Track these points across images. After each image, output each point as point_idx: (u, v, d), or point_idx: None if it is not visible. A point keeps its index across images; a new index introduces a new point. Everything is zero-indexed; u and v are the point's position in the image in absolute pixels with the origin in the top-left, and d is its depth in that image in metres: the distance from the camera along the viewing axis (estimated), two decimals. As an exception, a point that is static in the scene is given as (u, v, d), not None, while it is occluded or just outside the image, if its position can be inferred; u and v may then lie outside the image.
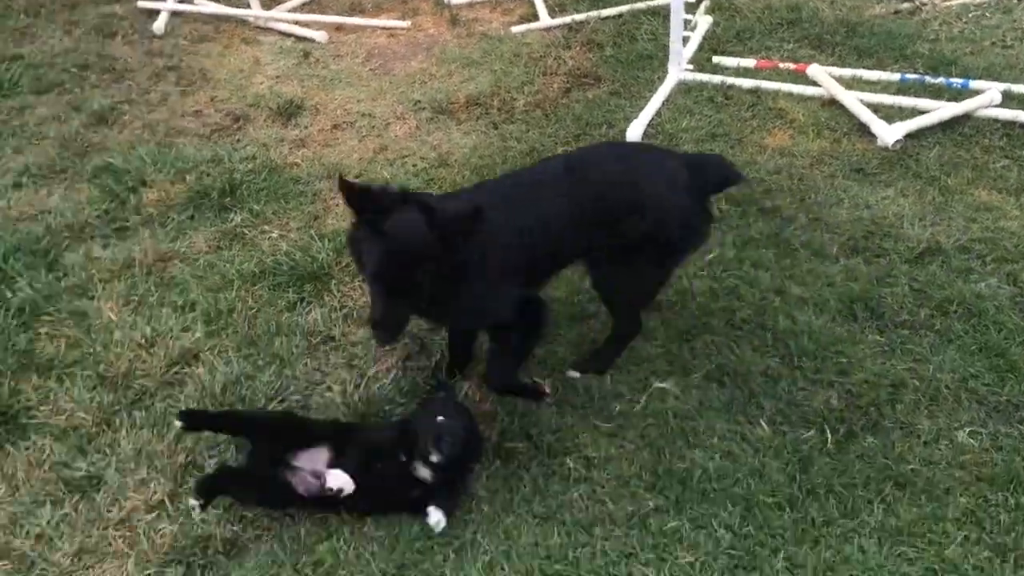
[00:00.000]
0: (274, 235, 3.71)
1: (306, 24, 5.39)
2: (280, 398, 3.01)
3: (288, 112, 4.53)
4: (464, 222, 2.45)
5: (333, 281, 3.45)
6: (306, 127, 4.44)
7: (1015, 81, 4.27)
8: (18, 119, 4.56)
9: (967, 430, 2.71)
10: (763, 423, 2.79)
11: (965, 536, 2.44)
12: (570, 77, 4.74)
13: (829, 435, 2.73)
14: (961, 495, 2.53)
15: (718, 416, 2.84)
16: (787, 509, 2.54)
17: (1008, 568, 2.36)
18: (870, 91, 4.32)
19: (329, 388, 3.05)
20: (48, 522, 2.66)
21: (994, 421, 2.74)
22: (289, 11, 5.58)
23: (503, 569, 2.46)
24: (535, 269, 2.85)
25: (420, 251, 2.45)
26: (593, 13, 5.30)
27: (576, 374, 3.01)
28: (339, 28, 5.41)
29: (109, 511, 2.69)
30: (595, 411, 2.89)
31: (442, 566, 2.47)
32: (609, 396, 2.93)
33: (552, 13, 5.38)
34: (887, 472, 2.61)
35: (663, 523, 2.53)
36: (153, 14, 5.50)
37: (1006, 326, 3.02)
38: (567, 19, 5.29)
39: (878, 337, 3.05)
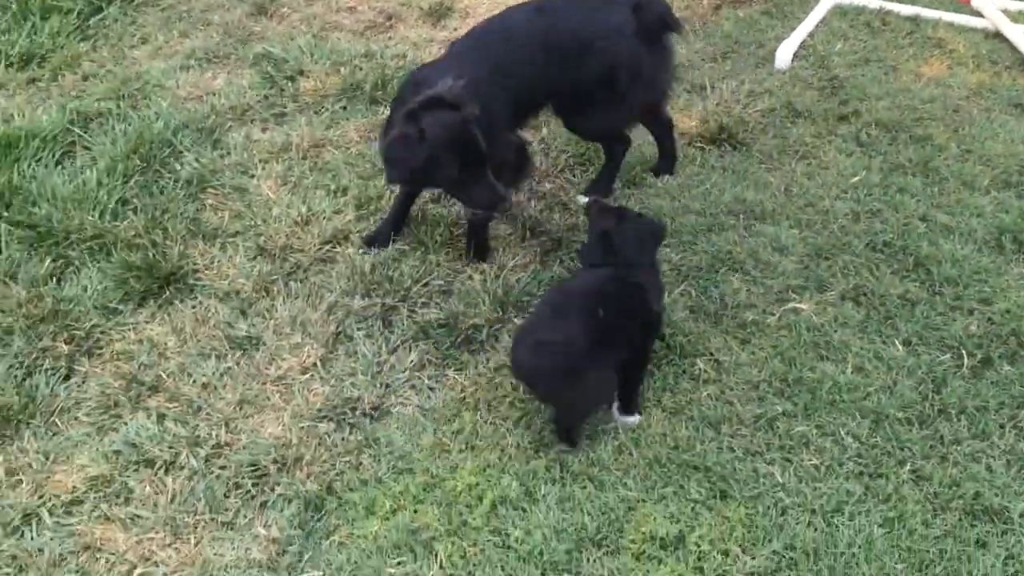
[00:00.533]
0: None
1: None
2: (424, 281, 3.18)
3: (438, 13, 4.63)
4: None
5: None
6: (455, 29, 4.53)
7: None
8: (185, 5, 4.81)
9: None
10: (898, 343, 2.82)
11: (1098, 467, 2.44)
12: (722, -5, 4.68)
13: (966, 359, 2.74)
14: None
15: (852, 334, 2.87)
16: (917, 425, 2.58)
17: None
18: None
19: (470, 277, 3.21)
20: (213, 373, 2.92)
21: None
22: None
23: (631, 455, 2.59)
24: (517, 112, 3.19)
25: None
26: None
27: (584, 199, 3.29)
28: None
29: (267, 369, 2.94)
30: (728, 319, 2.96)
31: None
32: (743, 306, 2.99)
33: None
34: (1022, 400, 2.61)
35: (790, 427, 2.61)
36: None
37: None
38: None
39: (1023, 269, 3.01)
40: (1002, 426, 2.56)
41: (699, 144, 3.71)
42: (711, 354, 2.85)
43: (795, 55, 4.11)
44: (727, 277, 3.11)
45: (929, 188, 3.35)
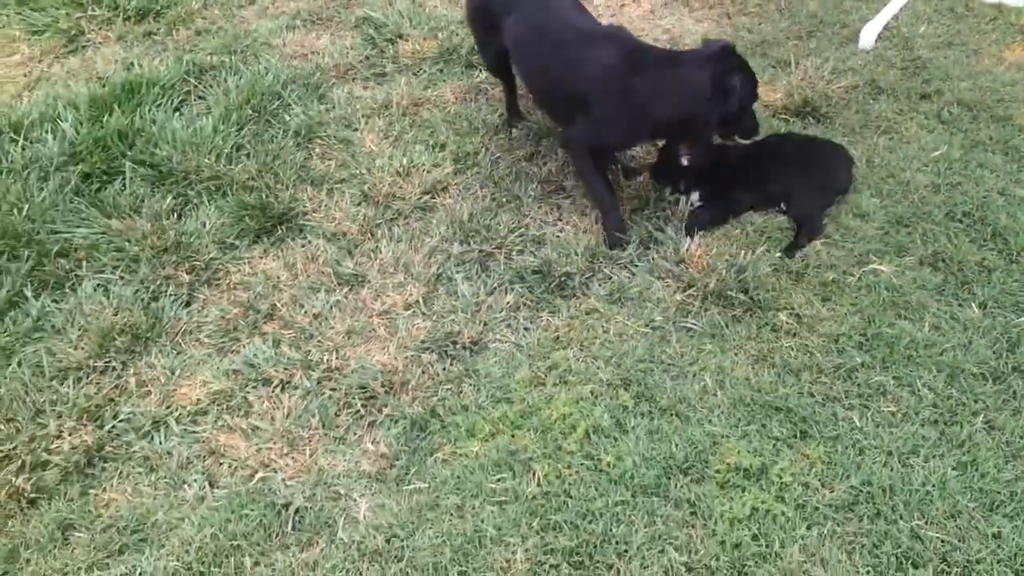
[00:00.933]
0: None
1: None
2: (519, 231, 3.38)
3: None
4: None
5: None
6: None
7: None
8: (290, -30, 5.05)
9: None
10: (974, 306, 2.95)
11: None
12: (808, -25, 4.79)
13: (1035, 317, 2.88)
14: None
15: (929, 295, 3.01)
16: (990, 380, 2.72)
17: None
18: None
19: (562, 229, 3.40)
20: (323, 305, 3.15)
21: None
22: None
23: (715, 395, 2.77)
24: None
25: None
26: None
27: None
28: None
29: (373, 304, 3.16)
30: (810, 277, 3.11)
31: (661, 384, 2.80)
32: (824, 266, 3.14)
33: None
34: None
35: (868, 377, 2.77)
36: None
37: None
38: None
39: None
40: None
41: (783, 116, 3.85)
42: (793, 308, 3.00)
43: (879, 36, 4.22)
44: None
45: (1008, 165, 3.46)
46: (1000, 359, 2.78)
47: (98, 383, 2.91)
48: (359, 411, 2.82)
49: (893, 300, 3.00)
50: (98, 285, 3.23)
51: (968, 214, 3.26)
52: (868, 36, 4.20)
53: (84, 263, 3.30)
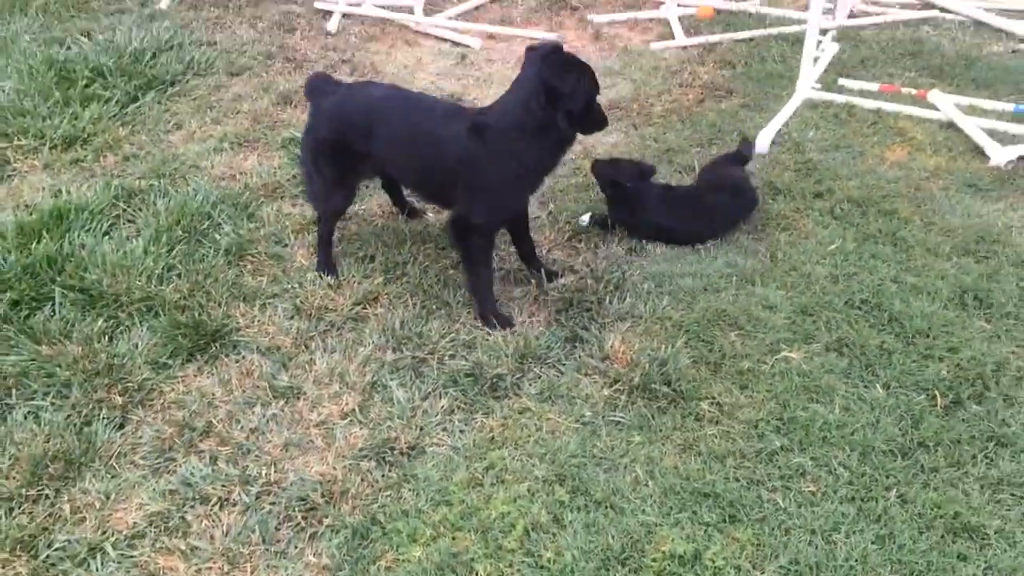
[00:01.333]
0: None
1: (462, 31, 5.99)
2: (450, 337, 3.49)
3: (451, 104, 5.09)
4: None
5: (493, 247, 3.94)
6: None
7: None
8: (215, 95, 5.23)
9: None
10: (878, 387, 3.17)
11: (1061, 487, 2.79)
12: (704, 89, 5.19)
13: (939, 400, 3.09)
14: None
15: (837, 379, 3.22)
16: (899, 456, 2.91)
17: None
18: (985, 118, 4.64)
19: (490, 333, 3.53)
20: (259, 419, 3.18)
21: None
22: (448, 19, 6.19)
23: (647, 485, 2.88)
24: None
25: None
26: (727, 35, 5.75)
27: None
28: (491, 36, 5.98)
29: (309, 415, 3.21)
30: (727, 366, 3.30)
31: (594, 478, 2.91)
32: (739, 356, 3.34)
33: (687, 34, 5.85)
34: (990, 433, 2.97)
35: (788, 459, 2.93)
36: (327, 14, 6.19)
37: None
38: (702, 39, 5.75)
39: (985, 324, 3.40)
40: (974, 456, 2.90)
41: (691, 219, 4.11)
42: (713, 397, 3.17)
43: (773, 142, 4.58)
44: (724, 331, 3.46)
45: (898, 255, 3.77)
46: (906, 435, 2.98)
47: (31, 512, 2.87)
48: (300, 523, 2.83)
49: (805, 385, 3.19)
50: (29, 412, 3.20)
51: (865, 301, 3.53)
52: (763, 142, 4.55)
53: (14, 391, 3.27)
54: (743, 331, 3.46)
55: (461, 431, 3.12)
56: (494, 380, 3.27)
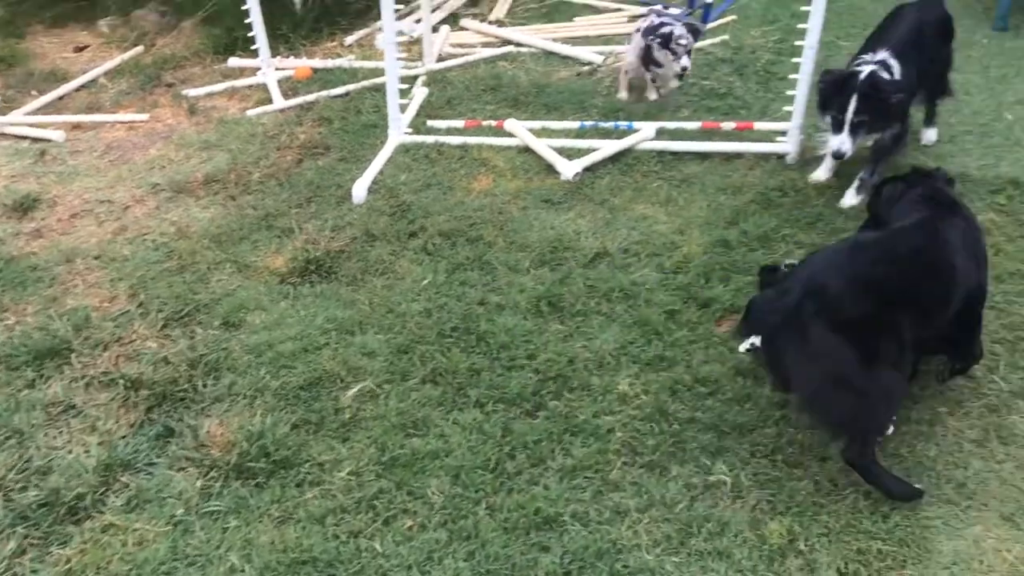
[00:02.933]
0: (10, 320, 3.86)
1: (43, 125, 5.57)
2: (20, 468, 3.13)
3: (24, 207, 4.68)
4: None
5: (73, 354, 3.64)
6: (43, 219, 4.61)
7: (666, 120, 5.20)
8: None
9: (627, 382, 3.34)
10: (471, 407, 3.28)
11: (624, 461, 3.03)
12: (302, 149, 5.21)
13: (527, 407, 3.27)
14: (619, 431, 3.14)
15: (434, 409, 3.29)
16: (488, 471, 3.02)
17: (655, 478, 2.98)
18: (556, 138, 5.06)
19: (71, 451, 3.22)
20: None
21: (645, 372, 3.40)
22: (25, 114, 5.73)
23: (243, 571, 2.74)
24: None
25: None
26: (323, 93, 5.83)
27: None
28: (77, 126, 5.61)
29: None
30: (328, 423, 3.27)
31: None
32: (341, 409, 3.32)
33: (286, 96, 5.86)
34: (566, 424, 3.18)
35: (389, 500, 2.94)
36: None
37: (653, 301, 3.74)
38: (299, 100, 5.79)
39: (559, 326, 3.66)
40: (552, 450, 3.09)
41: (291, 281, 4.07)
42: (314, 459, 3.12)
43: (369, 190, 4.69)
44: (327, 388, 3.43)
45: (484, 277, 3.96)
46: (498, 448, 3.10)
47: None
48: None
49: (402, 423, 3.24)
50: None
51: (456, 328, 3.66)
52: (359, 191, 4.64)
53: None
54: (344, 383, 3.45)
55: (33, 572, 2.79)
56: (73, 503, 2.97)
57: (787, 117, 4.78)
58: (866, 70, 4.13)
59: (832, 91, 4.16)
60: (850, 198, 4.40)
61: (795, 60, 4.63)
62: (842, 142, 4.14)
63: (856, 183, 4.41)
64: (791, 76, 4.73)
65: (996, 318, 3.58)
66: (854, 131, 4.12)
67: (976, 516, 2.83)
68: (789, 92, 4.76)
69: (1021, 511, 2.83)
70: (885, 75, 4.14)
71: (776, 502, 2.89)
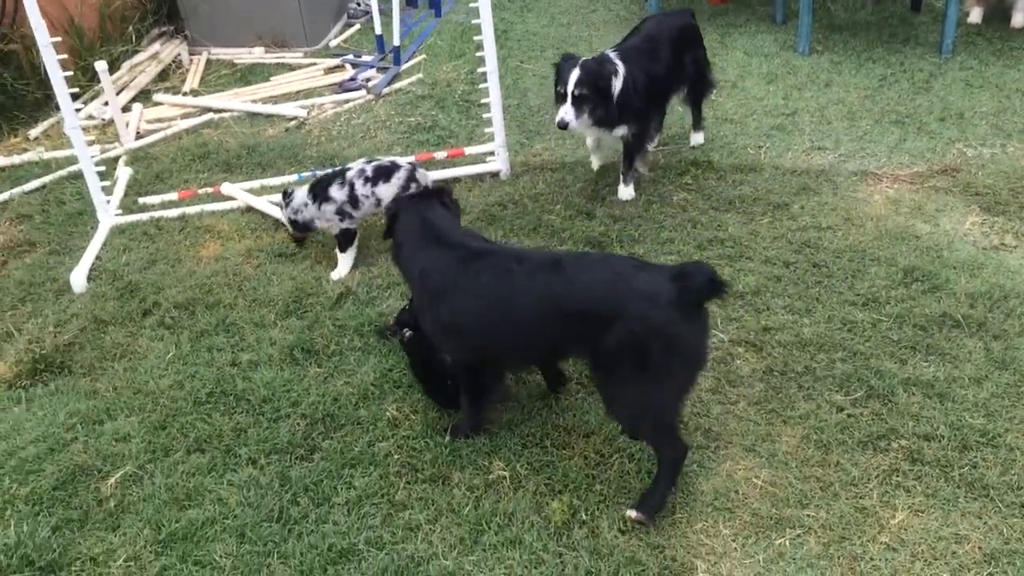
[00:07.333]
0: None
1: None
2: None
3: None
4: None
5: None
6: None
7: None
8: None
9: (394, 407, 3.48)
10: (245, 465, 3.25)
11: (406, 480, 3.17)
12: (3, 250, 4.86)
13: (300, 451, 3.31)
14: (396, 454, 3.28)
15: (205, 476, 3.22)
16: (273, 521, 3.02)
17: (438, 489, 3.14)
18: (277, 192, 5.09)
19: None
20: None
21: (409, 394, 3.56)
22: None
23: None
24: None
25: None
26: (16, 190, 5.45)
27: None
28: None
29: None
30: (90, 518, 3.10)
31: None
32: (105, 498, 3.16)
33: (-28, 203, 5.41)
34: (343, 459, 3.25)
35: (174, 577, 2.85)
36: None
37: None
38: (-14, 203, 5.37)
39: (318, 368, 3.72)
40: (335, 487, 3.13)
41: (21, 385, 3.80)
42: (84, 554, 2.95)
43: (89, 277, 4.47)
44: (83, 482, 3.24)
45: (231, 339, 3.93)
46: (280, 498, 3.10)
47: None
48: None
49: (174, 497, 3.14)
50: None
51: (211, 393, 3.60)
52: (79, 280, 4.41)
53: None
54: (103, 472, 3.29)
55: None
56: None
57: (492, 138, 5.17)
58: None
59: (562, 68, 4.57)
60: (624, 193, 4.89)
61: (483, 85, 5.03)
62: (566, 111, 4.52)
63: (621, 178, 4.90)
64: (483, 101, 5.13)
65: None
66: (577, 104, 4.51)
67: (724, 454, 3.22)
68: (487, 115, 5.16)
69: (760, 440, 3.25)
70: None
71: (553, 483, 3.13)
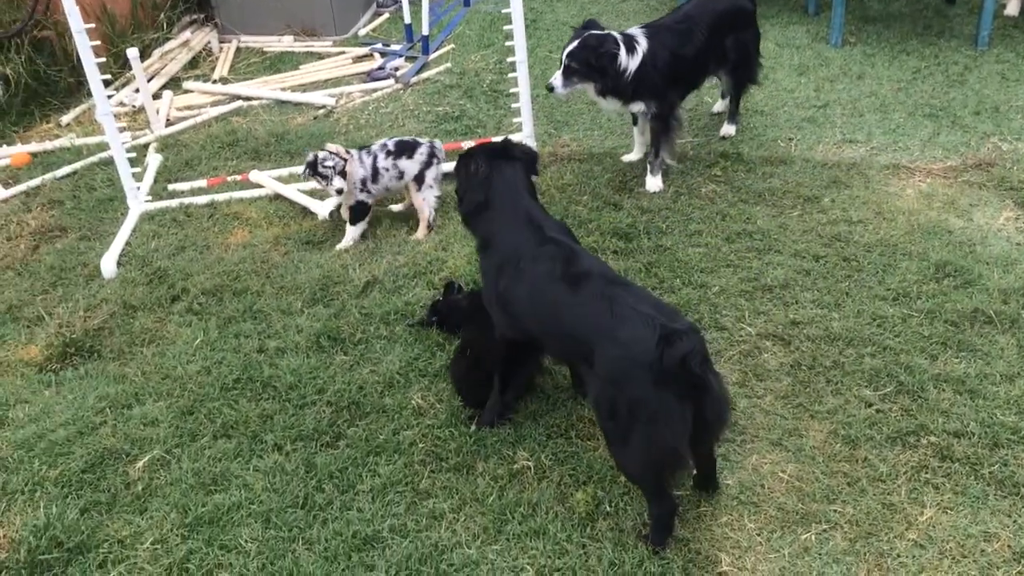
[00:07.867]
0: None
1: None
2: None
3: None
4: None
5: None
6: None
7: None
8: None
9: (419, 395, 3.49)
10: (271, 452, 3.28)
11: (431, 469, 3.18)
12: (36, 235, 4.93)
13: (326, 439, 3.32)
14: (421, 443, 3.28)
15: (231, 461, 3.25)
16: (298, 507, 3.04)
17: (463, 478, 3.14)
18: (303, 183, 5.12)
19: None
20: None
21: (435, 383, 3.56)
22: None
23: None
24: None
25: None
26: (48, 175, 5.52)
27: None
28: None
29: None
30: (118, 501, 3.13)
31: None
32: (132, 482, 3.20)
33: (6, 186, 5.49)
34: (368, 447, 3.26)
35: (201, 560, 2.87)
36: None
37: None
38: (22, 187, 5.44)
39: (344, 356, 3.74)
40: (360, 474, 3.15)
41: (52, 368, 3.86)
42: (112, 536, 2.98)
43: (119, 263, 4.51)
44: (112, 465, 3.28)
45: (259, 326, 3.96)
46: (305, 484, 3.12)
47: None
48: None
49: (201, 482, 3.17)
50: None
51: (239, 379, 3.63)
52: (109, 266, 4.46)
53: None
54: (131, 456, 3.32)
55: None
56: None
57: (520, 128, 5.16)
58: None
59: (573, 36, 4.60)
60: (651, 184, 4.85)
61: (512, 75, 5.02)
62: (555, 77, 4.57)
63: (649, 168, 4.86)
64: (511, 90, 5.11)
65: (734, 273, 4.08)
66: (567, 73, 4.54)
67: (751, 448, 3.19)
68: (515, 105, 5.14)
69: (786, 434, 3.23)
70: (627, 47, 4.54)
71: (578, 474, 3.11)
